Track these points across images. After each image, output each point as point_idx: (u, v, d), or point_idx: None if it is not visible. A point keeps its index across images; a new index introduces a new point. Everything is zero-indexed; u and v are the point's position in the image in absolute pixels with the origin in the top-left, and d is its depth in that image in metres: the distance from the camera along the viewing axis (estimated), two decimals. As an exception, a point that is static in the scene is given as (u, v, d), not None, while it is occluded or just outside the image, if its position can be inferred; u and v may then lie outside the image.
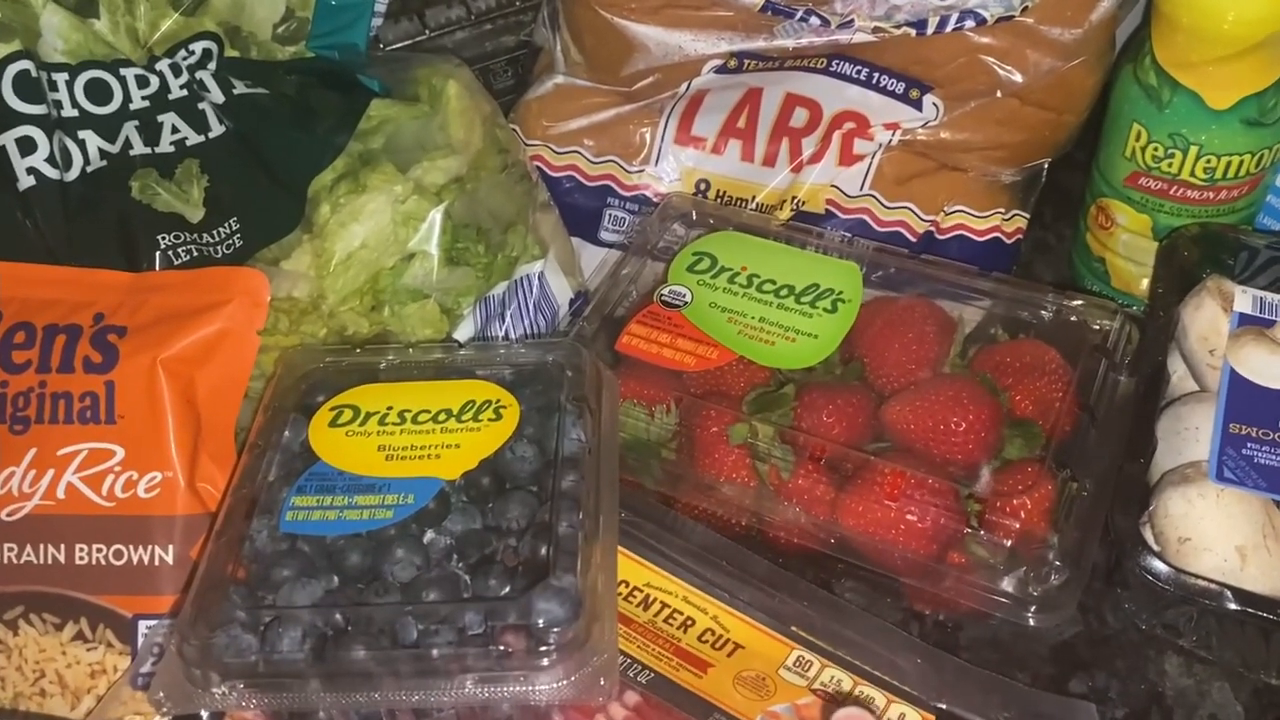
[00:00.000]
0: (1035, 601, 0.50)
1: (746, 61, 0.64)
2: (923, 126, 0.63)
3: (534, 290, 0.63)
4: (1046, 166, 0.69)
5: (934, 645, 0.56)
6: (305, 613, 0.41)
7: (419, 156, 0.59)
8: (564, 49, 0.66)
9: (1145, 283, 0.64)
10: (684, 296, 0.59)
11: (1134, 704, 0.54)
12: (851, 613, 0.54)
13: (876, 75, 0.63)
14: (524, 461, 0.48)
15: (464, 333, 0.59)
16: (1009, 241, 0.66)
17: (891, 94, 0.63)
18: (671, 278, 0.60)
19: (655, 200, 0.67)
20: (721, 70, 0.64)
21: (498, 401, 0.49)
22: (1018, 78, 0.61)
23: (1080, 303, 0.57)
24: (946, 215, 0.65)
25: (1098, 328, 0.56)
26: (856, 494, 0.53)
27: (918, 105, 0.63)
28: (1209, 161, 0.59)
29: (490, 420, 0.48)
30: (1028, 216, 0.67)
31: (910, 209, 0.65)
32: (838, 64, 0.63)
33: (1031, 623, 0.51)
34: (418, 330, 0.57)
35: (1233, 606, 0.45)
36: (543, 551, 0.44)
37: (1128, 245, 0.64)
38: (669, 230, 0.63)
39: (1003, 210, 0.65)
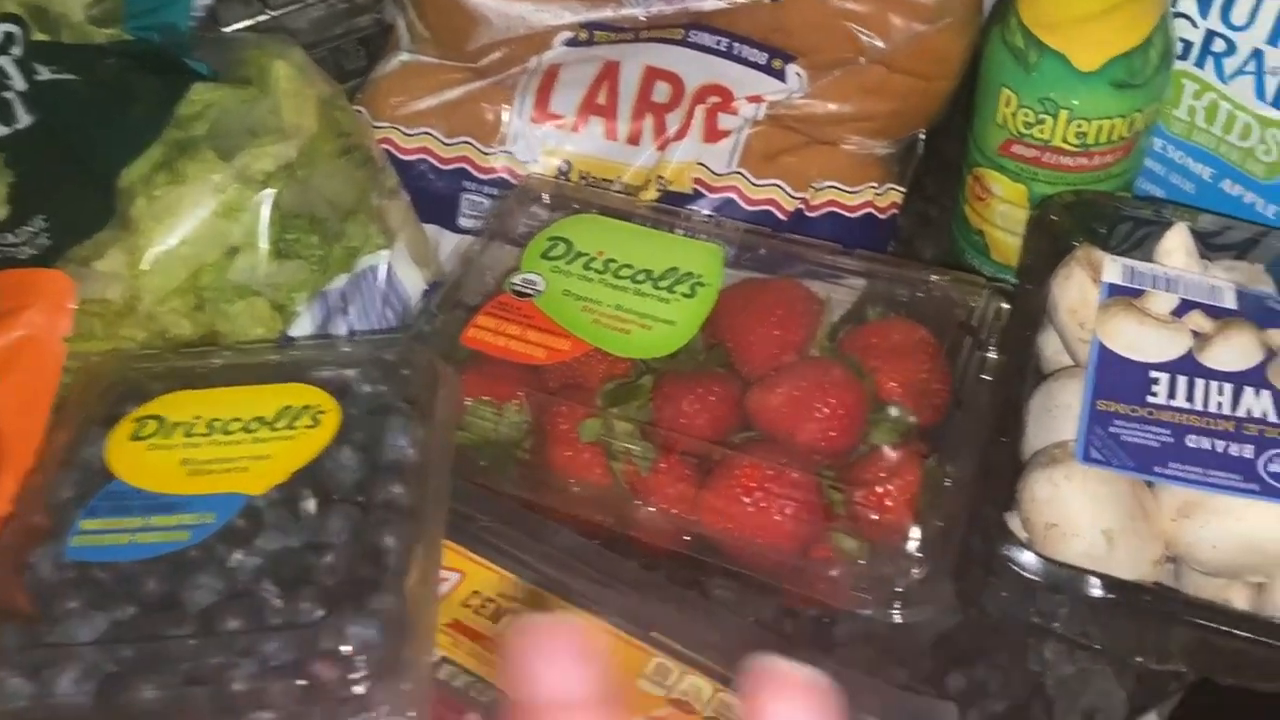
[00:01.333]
0: (898, 597, 0.47)
1: (597, 33, 0.60)
2: (786, 98, 0.60)
3: (380, 282, 0.59)
4: (923, 137, 0.67)
5: (808, 643, 0.53)
6: (89, 649, 0.37)
7: (247, 143, 0.55)
8: (409, 24, 0.62)
9: (1025, 255, 0.62)
10: (536, 285, 0.55)
11: (1014, 696, 0.52)
12: (719, 615, 0.51)
13: (736, 46, 0.60)
14: (346, 471, 0.44)
15: (301, 330, 0.55)
16: (883, 217, 0.63)
17: (753, 65, 0.60)
18: (524, 265, 0.56)
19: (515, 183, 0.63)
20: (573, 43, 0.60)
21: (316, 407, 0.45)
22: (881, 43, 0.58)
23: (947, 279, 0.55)
24: (816, 192, 0.62)
25: (966, 305, 0.54)
26: (714, 490, 0.50)
27: (780, 76, 0.60)
28: (1080, 126, 0.56)
29: (307, 427, 0.44)
30: (903, 190, 0.64)
31: (780, 186, 0.62)
32: (695, 34, 0.60)
33: (898, 619, 0.49)
34: (248, 330, 0.53)
35: (1098, 594, 0.42)
36: (363, 569, 0.41)
37: (1005, 216, 0.62)
38: (528, 214, 0.59)
39: (875, 184, 0.62)
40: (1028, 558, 0.43)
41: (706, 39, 0.60)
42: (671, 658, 0.49)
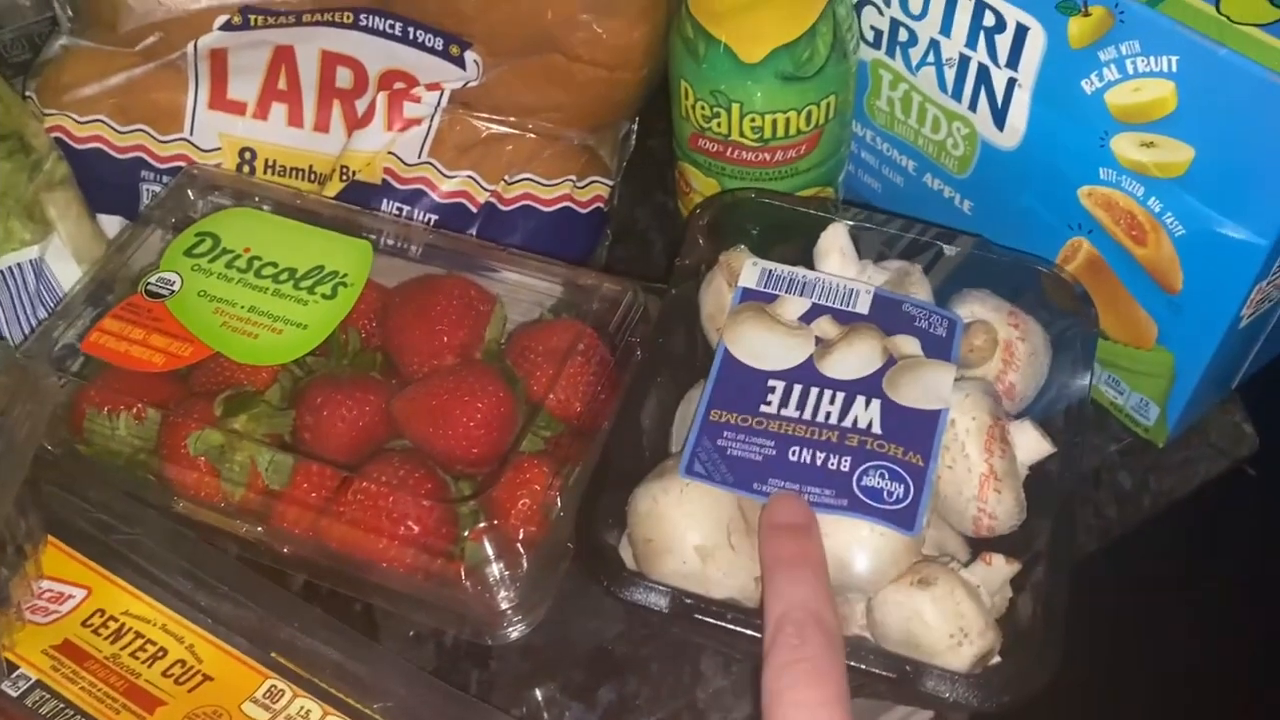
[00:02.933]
0: (504, 615, 0.45)
1: (254, 17, 0.57)
2: (466, 86, 0.58)
3: (30, 281, 0.55)
4: (634, 130, 0.65)
5: (465, 655, 0.51)
6: None
7: None
8: (60, 6, 0.58)
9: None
10: (172, 285, 0.52)
11: (663, 711, 0.50)
12: (354, 639, 0.49)
13: (412, 30, 0.57)
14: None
15: (-73, 333, 0.52)
16: (584, 211, 0.61)
17: (432, 50, 0.58)
18: (164, 264, 0.53)
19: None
20: (229, 27, 0.57)
21: None
22: (555, 32, 0.56)
23: (601, 280, 0.52)
24: (509, 184, 0.59)
25: (616, 307, 0.52)
26: (331, 512, 0.47)
27: (460, 63, 0.58)
28: (754, 120, 0.54)
29: None
30: (610, 184, 0.62)
31: (473, 178, 0.60)
32: (367, 18, 0.57)
33: (512, 636, 0.47)
34: None
35: (670, 610, 0.41)
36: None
37: (705, 211, 0.60)
38: (188, 204, 0.56)
39: (574, 177, 0.60)
40: (615, 570, 0.42)
41: (379, 22, 0.57)
42: (287, 680, 0.47)
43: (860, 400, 0.44)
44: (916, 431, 0.43)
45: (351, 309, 0.51)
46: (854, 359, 0.45)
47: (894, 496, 0.41)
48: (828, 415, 0.44)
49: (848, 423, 0.43)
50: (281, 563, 0.50)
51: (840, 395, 0.44)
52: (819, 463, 0.42)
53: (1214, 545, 1.41)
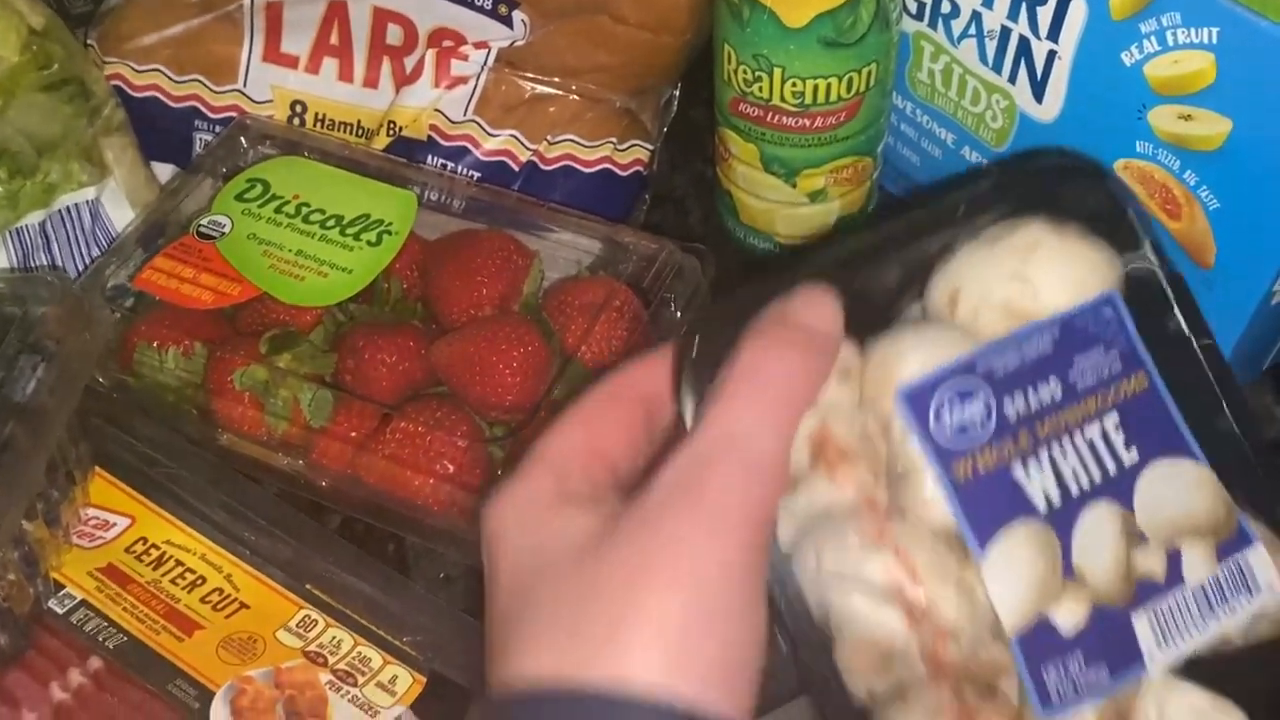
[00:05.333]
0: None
1: (310, -28, 0.58)
2: (513, 45, 0.59)
3: (86, 221, 0.57)
4: (676, 97, 0.66)
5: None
6: None
7: (-67, 71, 0.53)
8: (121, -42, 0.60)
9: (770, 219, 0.61)
10: (223, 227, 0.54)
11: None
12: (385, 575, 0.50)
13: (463, -12, 0.59)
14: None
15: (-9, 266, 0.53)
16: (623, 174, 0.62)
17: (480, 9, 0.59)
18: (215, 206, 0.55)
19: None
20: (289, -20, 0.59)
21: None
22: (603, -8, 0.57)
23: (635, 239, 0.54)
24: (551, 145, 0.61)
25: (653, 264, 0.53)
26: (370, 450, 0.49)
27: (508, 22, 0.59)
28: (795, 85, 0.55)
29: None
30: (650, 148, 0.63)
31: (516, 137, 0.61)
32: (419, -25, 0.59)
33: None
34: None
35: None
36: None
37: (744, 178, 0.61)
38: (239, 153, 0.58)
39: (615, 140, 0.61)
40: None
41: (431, -20, 0.59)
42: (320, 611, 0.49)
43: None
44: None
45: (395, 257, 0.52)
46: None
47: None
48: None
49: None
50: (320, 496, 0.51)
51: None
52: None
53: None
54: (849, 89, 0.56)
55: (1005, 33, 0.54)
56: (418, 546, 0.53)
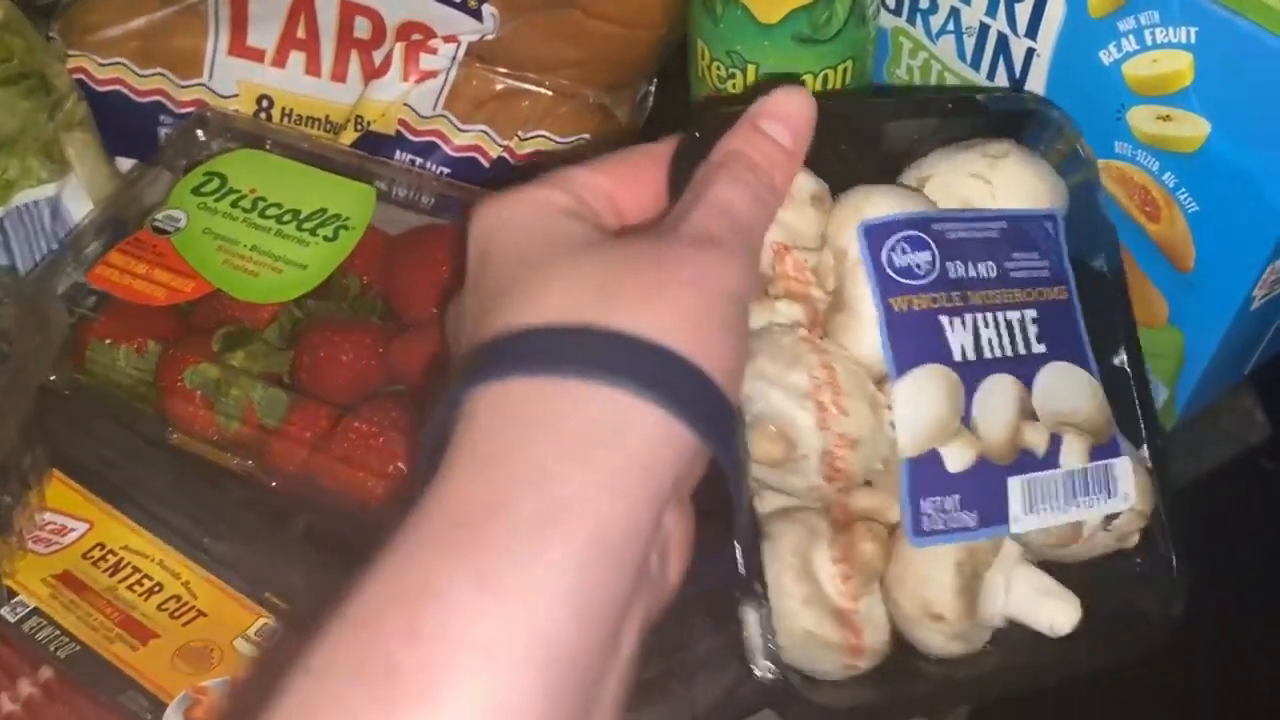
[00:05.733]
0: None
1: (276, -37, 0.57)
2: (483, 39, 0.58)
3: (45, 218, 0.56)
4: (652, 92, 0.64)
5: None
6: None
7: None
8: (84, -52, 0.59)
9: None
10: (178, 222, 0.53)
11: (653, 670, 0.50)
12: (342, 580, 0.49)
13: (431, -19, 0.57)
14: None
15: (-57, 262, 0.52)
16: (596, 170, 0.60)
17: (449, 3, 0.58)
18: (171, 201, 0.54)
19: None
20: (253, -28, 0.58)
21: None
22: (573, -14, 0.55)
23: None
24: (522, 140, 0.59)
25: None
26: (325, 450, 0.48)
27: (477, 15, 0.58)
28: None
29: None
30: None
31: (486, 132, 0.60)
32: (386, -32, 0.57)
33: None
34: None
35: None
36: None
37: (718, 175, 0.59)
38: (197, 146, 0.57)
39: (588, 136, 0.60)
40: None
41: (398, -27, 0.57)
42: (281, 621, 0.48)
43: None
44: None
45: (352, 252, 0.51)
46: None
47: None
48: None
49: None
50: (274, 498, 0.50)
51: None
52: None
53: (1226, 534, 1.39)
54: (824, 86, 0.54)
55: (984, 29, 0.53)
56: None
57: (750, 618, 0.33)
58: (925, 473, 0.36)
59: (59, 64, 0.59)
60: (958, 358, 0.37)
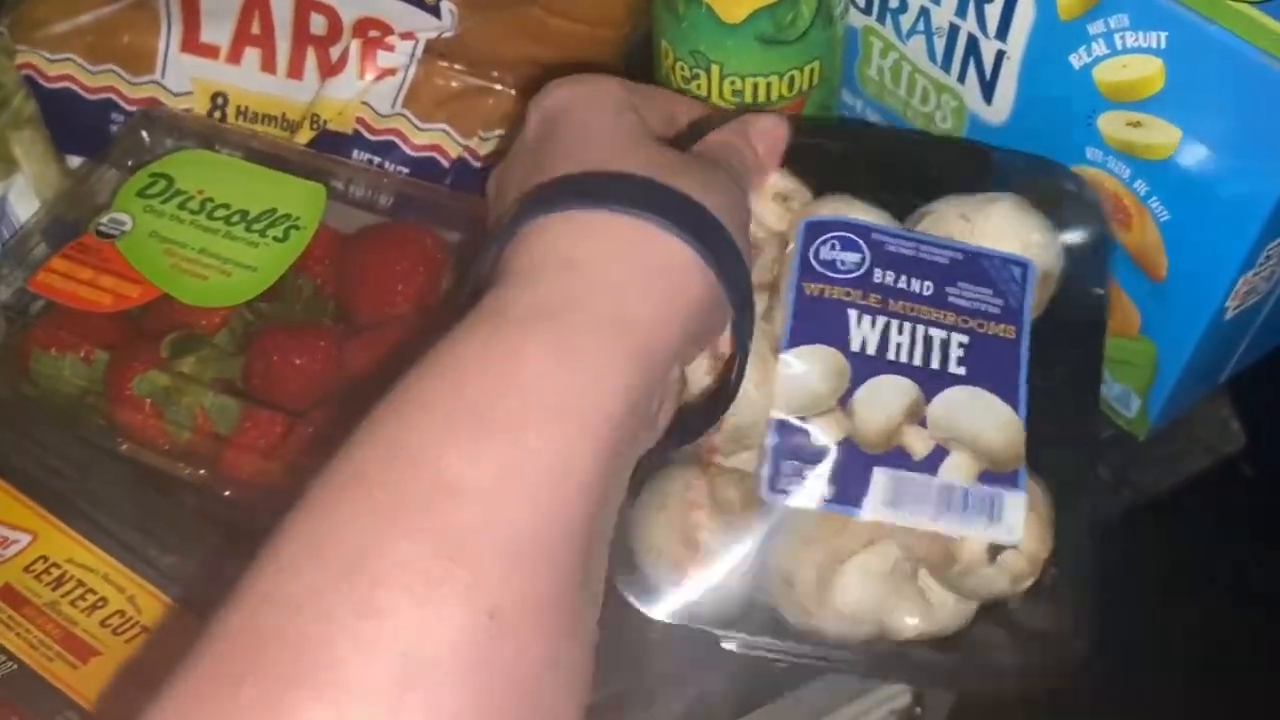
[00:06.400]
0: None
1: (225, -43, 0.56)
2: (441, 36, 0.56)
3: (-10, 217, 0.55)
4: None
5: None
6: None
7: None
8: (32, -61, 0.57)
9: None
10: (123, 225, 0.51)
11: (612, 687, 0.49)
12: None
13: (387, -24, 0.56)
14: None
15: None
16: (560, 171, 0.59)
17: (406, -1, 0.56)
18: (116, 204, 0.52)
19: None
20: (203, -33, 0.56)
21: None
22: (533, -17, 0.54)
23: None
24: (484, 140, 0.58)
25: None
26: (281, 456, 0.46)
27: (435, 12, 0.56)
28: (734, 83, 0.52)
29: None
30: (588, 143, 0.60)
31: (446, 131, 0.58)
32: (342, -38, 0.56)
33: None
34: None
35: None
36: None
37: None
38: (144, 146, 0.55)
39: (551, 135, 0.58)
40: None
41: (352, -32, 0.56)
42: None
43: None
44: None
45: (304, 253, 0.50)
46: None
47: None
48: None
49: None
50: (227, 508, 0.49)
51: None
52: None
53: (1204, 542, 1.38)
54: (791, 88, 0.53)
55: (954, 30, 0.51)
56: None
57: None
58: (791, 436, 0.40)
59: (7, 60, 0.58)
60: (855, 348, 0.41)
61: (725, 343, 0.39)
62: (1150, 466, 0.56)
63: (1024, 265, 0.43)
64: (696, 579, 0.40)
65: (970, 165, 0.47)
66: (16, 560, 0.49)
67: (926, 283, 0.42)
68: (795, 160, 0.44)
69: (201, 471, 0.47)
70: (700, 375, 0.41)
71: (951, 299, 0.42)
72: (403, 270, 0.50)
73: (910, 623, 0.40)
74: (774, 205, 0.44)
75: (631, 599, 0.40)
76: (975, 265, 0.43)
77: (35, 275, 0.49)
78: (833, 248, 0.42)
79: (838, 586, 0.40)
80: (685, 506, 0.41)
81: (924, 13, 0.52)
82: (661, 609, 0.40)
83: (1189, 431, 0.57)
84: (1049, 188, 0.46)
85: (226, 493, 0.48)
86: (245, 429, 0.47)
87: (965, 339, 0.41)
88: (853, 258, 0.42)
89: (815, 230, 0.43)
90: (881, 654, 0.41)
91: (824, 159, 0.45)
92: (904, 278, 0.42)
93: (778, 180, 0.44)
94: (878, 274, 0.42)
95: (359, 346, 0.49)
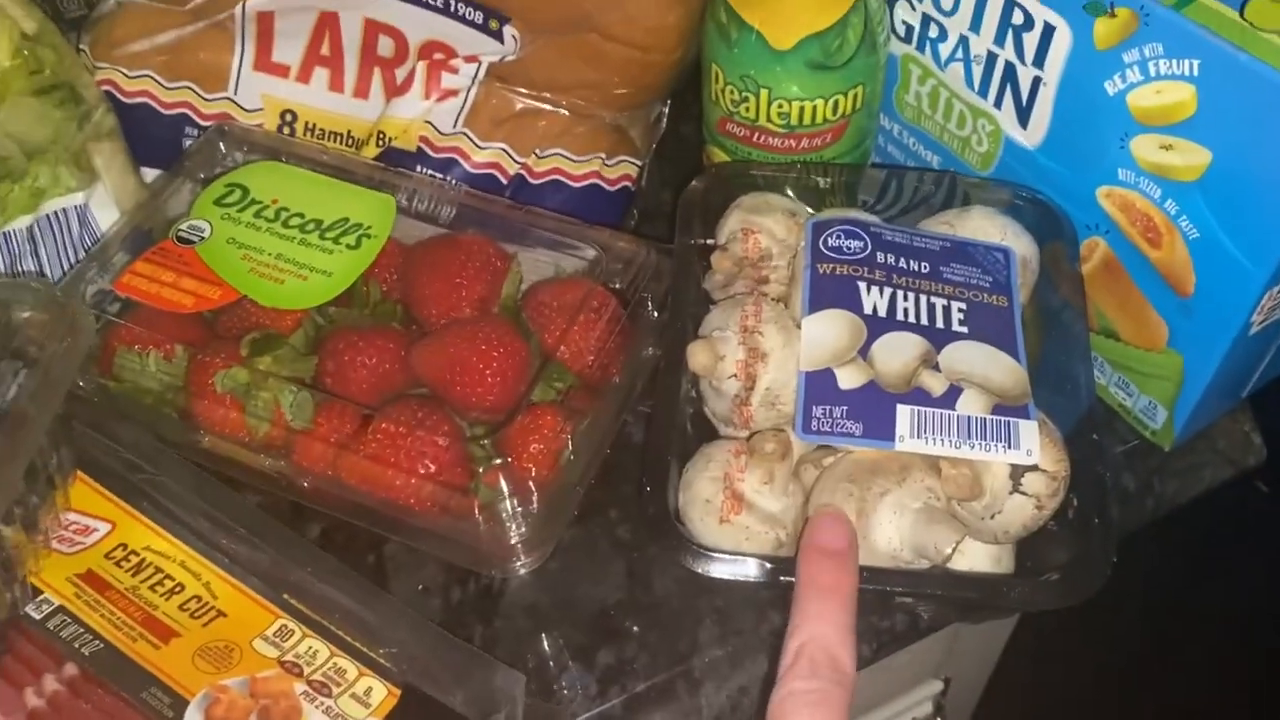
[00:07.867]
0: (514, 552, 0.47)
1: (302, -19, 0.59)
2: (503, 59, 0.59)
3: (73, 226, 0.57)
4: (665, 113, 0.66)
5: (468, 613, 0.52)
6: None
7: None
8: (115, -36, 0.60)
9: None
10: (202, 231, 0.54)
11: (660, 676, 0.51)
12: (363, 586, 0.50)
13: (453, 3, 0.59)
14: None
15: (-26, 270, 0.54)
16: (611, 189, 0.62)
17: (471, 23, 0.59)
18: (195, 211, 0.55)
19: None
20: (278, -10, 0.59)
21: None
22: (592, 10, 0.57)
23: (612, 240, 0.54)
24: (539, 158, 0.61)
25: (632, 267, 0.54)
26: (352, 450, 0.49)
27: (498, 36, 0.59)
28: (781, 106, 0.55)
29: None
30: (638, 164, 0.63)
31: (505, 150, 0.61)
32: (410, -11, 0.59)
33: (520, 571, 0.49)
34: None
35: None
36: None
37: (730, 195, 0.61)
38: (218, 159, 0.58)
39: (603, 155, 0.61)
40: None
41: (423, -7, 0.59)
42: (297, 621, 0.49)
43: None
44: None
45: (374, 260, 0.52)
46: None
47: None
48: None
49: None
50: (302, 498, 0.51)
51: None
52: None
53: (1220, 554, 1.39)
54: (835, 111, 0.56)
55: (991, 58, 0.54)
56: (397, 558, 0.53)
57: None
58: (818, 385, 0.45)
59: (88, 75, 0.60)
60: (867, 311, 0.47)
61: (759, 338, 0.45)
62: (1174, 476, 0.58)
63: (1005, 251, 0.51)
64: (743, 522, 0.45)
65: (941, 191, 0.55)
66: (98, 547, 0.51)
67: (923, 263, 0.49)
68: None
69: (282, 463, 0.50)
70: (726, 375, 0.47)
71: (946, 276, 0.49)
72: (465, 278, 0.53)
73: (947, 552, 0.42)
74: (783, 219, 0.52)
75: (684, 552, 0.43)
76: (963, 251, 0.50)
77: (120, 278, 0.52)
78: (838, 237, 0.50)
79: (874, 521, 0.43)
80: (728, 462, 0.45)
81: (963, 41, 0.55)
82: (712, 555, 0.43)
83: (1211, 443, 0.59)
84: (1007, 198, 0.54)
85: (305, 483, 0.50)
86: (320, 422, 0.50)
87: (964, 305, 0.48)
88: (856, 244, 0.49)
89: (821, 226, 0.50)
90: (923, 572, 0.44)
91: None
92: (903, 259, 0.49)
93: (786, 203, 0.52)
94: (880, 256, 0.49)
95: (424, 348, 0.51)
